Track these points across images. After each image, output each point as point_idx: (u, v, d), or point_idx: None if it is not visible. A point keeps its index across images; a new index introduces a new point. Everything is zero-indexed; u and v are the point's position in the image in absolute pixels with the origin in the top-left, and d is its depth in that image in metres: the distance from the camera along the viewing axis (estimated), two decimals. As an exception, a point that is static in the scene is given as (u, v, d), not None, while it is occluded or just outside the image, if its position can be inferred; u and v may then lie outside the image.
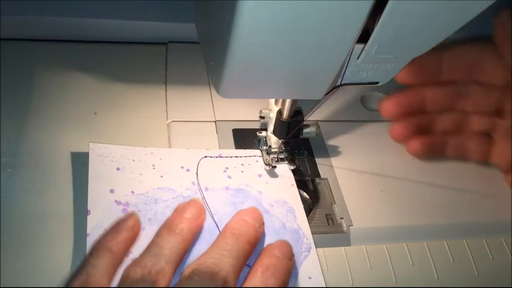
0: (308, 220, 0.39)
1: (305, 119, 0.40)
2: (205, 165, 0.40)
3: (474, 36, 0.56)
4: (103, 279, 0.30)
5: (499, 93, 0.44)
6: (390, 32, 0.29)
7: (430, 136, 0.45)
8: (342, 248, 0.38)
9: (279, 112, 0.40)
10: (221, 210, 0.38)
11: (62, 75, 0.46)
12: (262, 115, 0.43)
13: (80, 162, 0.39)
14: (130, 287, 0.30)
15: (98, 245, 0.32)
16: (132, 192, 0.37)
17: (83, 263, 0.31)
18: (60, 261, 0.34)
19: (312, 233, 0.38)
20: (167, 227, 0.34)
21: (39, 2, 0.48)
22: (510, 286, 0.39)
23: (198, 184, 0.39)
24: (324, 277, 0.36)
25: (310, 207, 0.40)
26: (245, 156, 0.42)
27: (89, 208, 0.35)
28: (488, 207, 0.43)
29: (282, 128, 0.40)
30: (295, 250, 0.36)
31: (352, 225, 0.39)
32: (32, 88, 0.44)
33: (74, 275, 0.30)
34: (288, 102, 0.39)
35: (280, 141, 0.42)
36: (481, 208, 0.43)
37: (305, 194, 0.41)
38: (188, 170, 0.40)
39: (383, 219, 0.41)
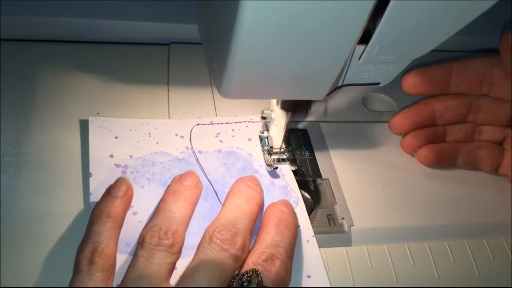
0: (309, 220, 0.39)
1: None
2: (198, 132, 0.43)
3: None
4: (109, 243, 0.32)
5: (510, 106, 0.44)
6: (391, 33, 0.29)
7: (441, 144, 0.45)
8: (343, 248, 0.38)
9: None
10: (215, 170, 0.40)
11: (64, 76, 0.46)
12: (263, 116, 0.43)
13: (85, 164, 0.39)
14: (150, 250, 0.32)
15: (97, 212, 0.34)
16: (131, 156, 0.40)
17: (86, 233, 0.33)
18: (63, 260, 0.34)
19: (314, 233, 0.38)
20: (171, 193, 0.36)
21: (39, 2, 0.48)
22: (510, 286, 0.39)
23: (192, 148, 0.41)
24: (313, 229, 0.38)
25: (311, 207, 0.40)
26: (236, 122, 0.44)
27: (90, 171, 0.38)
28: (489, 208, 0.43)
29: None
30: None
31: (353, 226, 0.40)
32: (34, 89, 0.44)
33: (81, 246, 0.32)
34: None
35: (282, 142, 0.42)
36: (482, 209, 0.43)
37: (306, 194, 0.41)
38: (182, 137, 0.42)
39: (384, 220, 0.41)
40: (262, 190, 0.38)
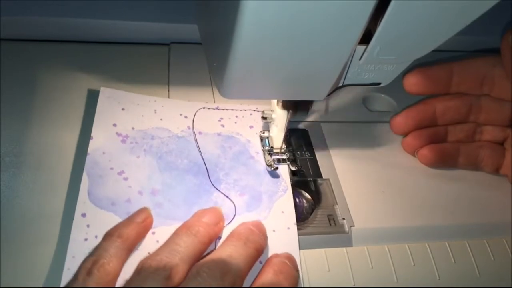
0: (309, 221, 0.39)
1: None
2: (202, 115, 0.44)
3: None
4: (112, 260, 0.32)
5: (511, 106, 0.44)
6: (392, 34, 0.29)
7: (442, 144, 0.45)
8: (344, 248, 0.38)
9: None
10: (211, 150, 0.42)
11: (65, 76, 0.46)
12: (264, 116, 0.43)
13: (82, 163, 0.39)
14: (144, 277, 0.31)
15: (110, 231, 0.34)
16: (133, 128, 0.42)
17: (95, 247, 0.33)
18: (63, 260, 0.34)
19: (314, 233, 0.38)
20: (185, 227, 0.35)
21: (39, 2, 0.48)
22: (511, 286, 0.39)
23: (193, 128, 0.43)
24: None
25: (312, 207, 0.40)
26: (241, 110, 0.45)
27: (92, 134, 0.40)
28: (489, 208, 0.43)
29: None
30: (273, 190, 0.40)
31: (353, 226, 0.39)
32: (35, 89, 0.44)
33: (86, 258, 0.32)
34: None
35: (282, 142, 0.42)
36: (482, 209, 0.43)
37: (307, 194, 0.41)
38: (186, 117, 0.44)
39: (384, 220, 0.41)
40: (266, 237, 0.37)
